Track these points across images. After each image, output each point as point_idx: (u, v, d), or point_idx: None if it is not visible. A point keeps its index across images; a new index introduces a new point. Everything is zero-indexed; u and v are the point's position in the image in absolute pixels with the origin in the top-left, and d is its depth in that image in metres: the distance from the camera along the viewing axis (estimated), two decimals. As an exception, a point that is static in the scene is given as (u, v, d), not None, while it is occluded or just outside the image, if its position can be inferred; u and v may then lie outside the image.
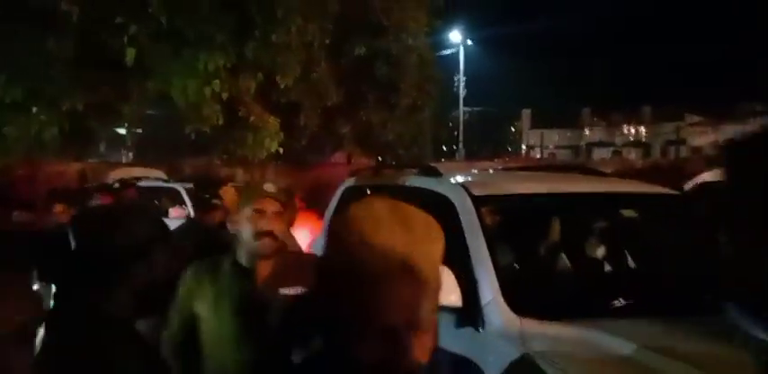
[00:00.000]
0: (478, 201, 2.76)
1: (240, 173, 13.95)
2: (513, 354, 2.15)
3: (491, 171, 4.21)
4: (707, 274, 2.88)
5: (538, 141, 54.90)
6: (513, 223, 3.31)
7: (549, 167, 4.39)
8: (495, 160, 23.64)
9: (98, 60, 6.01)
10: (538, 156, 46.74)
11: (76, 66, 5.90)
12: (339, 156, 19.54)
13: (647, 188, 3.21)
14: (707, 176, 10.40)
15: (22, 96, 5.64)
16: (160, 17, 5.46)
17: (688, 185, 10.08)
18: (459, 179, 3.13)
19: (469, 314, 2.40)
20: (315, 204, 6.79)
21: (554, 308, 2.32)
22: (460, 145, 31.52)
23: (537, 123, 52.47)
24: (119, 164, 18.48)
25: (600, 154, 44.66)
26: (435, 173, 3.33)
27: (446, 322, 2.49)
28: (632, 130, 51.22)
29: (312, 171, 15.63)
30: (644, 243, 3.10)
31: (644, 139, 48.92)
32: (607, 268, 2.98)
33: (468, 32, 29.59)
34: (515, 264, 3.01)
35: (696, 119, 39.50)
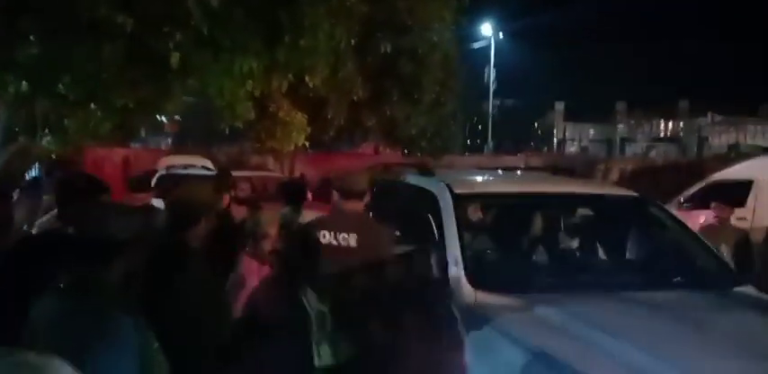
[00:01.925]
0: (457, 198, 3.43)
1: (271, 162, 14.78)
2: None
3: (474, 171, 4.84)
4: (640, 260, 3.46)
5: (570, 134, 54.38)
6: (487, 215, 3.95)
7: (542, 168, 4.97)
8: (518, 155, 23.93)
9: (146, 63, 6.83)
10: (572, 150, 46.44)
11: (127, 68, 6.73)
12: (367, 147, 20.20)
13: (604, 189, 3.78)
14: (718, 176, 10.66)
15: (82, 95, 6.53)
16: (202, 27, 6.21)
17: (701, 184, 10.37)
18: (447, 179, 3.79)
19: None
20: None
21: (504, 284, 2.97)
22: (489, 138, 31.71)
23: (570, 116, 52.02)
24: (159, 151, 19.58)
25: (634, 149, 44.06)
26: (429, 173, 4.02)
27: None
28: (669, 125, 50.21)
29: (341, 160, 16.35)
30: (593, 236, 3.67)
31: (681, 134, 47.97)
32: (557, 254, 3.58)
33: (501, 24, 29.61)
34: (487, 249, 3.66)
35: (718, 117, 38.68)
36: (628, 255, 3.55)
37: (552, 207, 3.77)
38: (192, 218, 2.11)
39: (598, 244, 3.63)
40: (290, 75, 7.72)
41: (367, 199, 3.00)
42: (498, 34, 28.26)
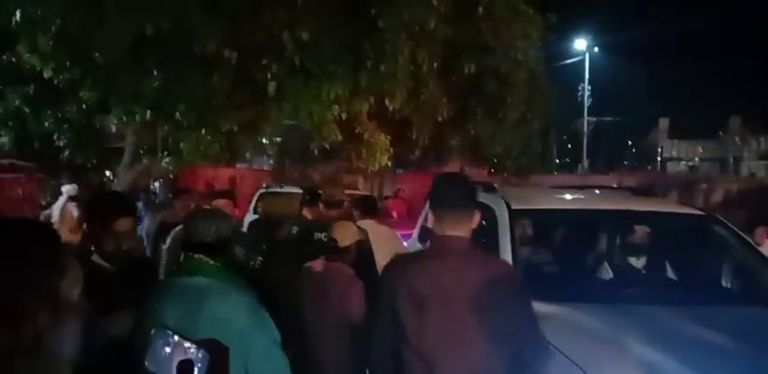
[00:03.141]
0: (513, 212, 3.66)
1: (361, 181, 15.48)
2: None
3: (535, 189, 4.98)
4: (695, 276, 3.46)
5: (676, 153, 50.65)
6: (542, 229, 4.12)
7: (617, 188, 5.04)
8: (610, 174, 22.91)
9: (248, 91, 7.75)
10: (678, 169, 43.23)
11: (232, 95, 7.68)
12: (452, 166, 20.44)
13: (665, 207, 3.81)
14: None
15: (194, 120, 7.56)
16: (294, 58, 7.00)
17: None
18: (506, 194, 4.02)
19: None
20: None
21: (551, 293, 3.16)
22: (583, 157, 30.56)
23: (675, 134, 48.55)
24: (262, 171, 21.20)
25: (753, 168, 40.17)
26: (491, 189, 4.27)
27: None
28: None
29: (427, 179, 16.72)
30: (650, 252, 3.70)
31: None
32: (611, 269, 3.66)
33: (596, 39, 28.66)
34: (542, 262, 3.83)
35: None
36: (682, 271, 3.56)
37: (609, 223, 3.86)
38: (277, 222, 2.74)
39: (654, 260, 3.67)
40: (371, 99, 8.32)
41: (346, 206, 3.94)
42: (593, 49, 27.44)
